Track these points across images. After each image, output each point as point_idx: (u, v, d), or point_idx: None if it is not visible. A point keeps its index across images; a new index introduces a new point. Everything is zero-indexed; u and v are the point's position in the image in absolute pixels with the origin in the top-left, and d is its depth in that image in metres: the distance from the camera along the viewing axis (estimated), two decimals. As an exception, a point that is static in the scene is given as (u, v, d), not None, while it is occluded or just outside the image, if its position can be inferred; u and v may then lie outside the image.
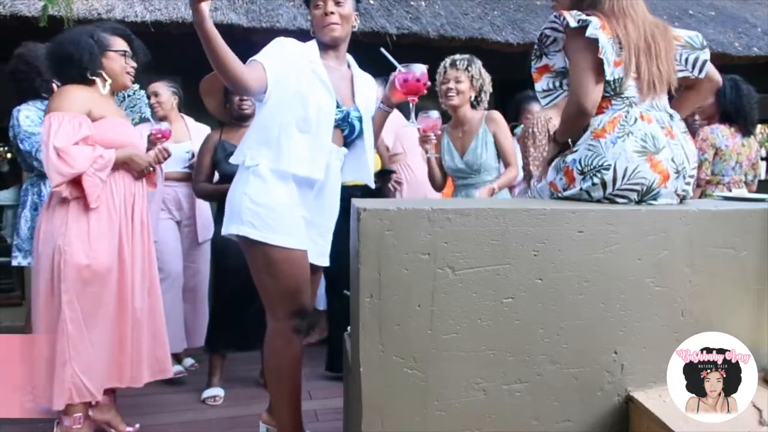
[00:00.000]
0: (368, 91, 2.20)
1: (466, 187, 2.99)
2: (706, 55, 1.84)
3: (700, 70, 1.84)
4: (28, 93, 2.93)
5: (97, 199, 2.19)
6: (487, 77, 2.98)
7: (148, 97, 3.23)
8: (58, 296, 2.15)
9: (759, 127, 11.13)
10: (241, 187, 1.95)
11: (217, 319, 3.02)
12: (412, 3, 5.27)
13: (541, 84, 1.85)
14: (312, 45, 2.08)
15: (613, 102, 1.72)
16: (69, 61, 2.25)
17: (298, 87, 1.97)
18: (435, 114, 2.62)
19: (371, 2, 5.12)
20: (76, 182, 2.16)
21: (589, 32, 1.66)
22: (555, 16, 1.75)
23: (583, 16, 1.69)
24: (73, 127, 2.14)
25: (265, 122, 1.98)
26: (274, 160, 1.94)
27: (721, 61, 5.05)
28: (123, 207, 2.30)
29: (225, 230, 2.00)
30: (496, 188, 2.83)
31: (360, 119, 2.12)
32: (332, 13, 2.03)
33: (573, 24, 1.68)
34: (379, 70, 2.29)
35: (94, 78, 2.29)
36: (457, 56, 2.97)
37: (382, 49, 2.15)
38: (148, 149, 2.56)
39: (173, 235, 3.22)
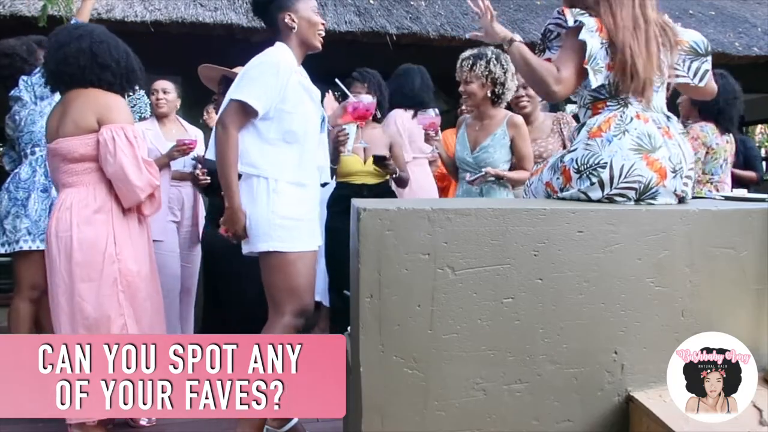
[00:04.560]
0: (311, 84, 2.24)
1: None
2: (708, 64, 1.84)
3: (701, 79, 1.84)
4: (16, 83, 2.83)
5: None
6: (500, 70, 2.71)
7: (149, 95, 3.24)
8: (116, 303, 2.13)
9: (759, 128, 11.12)
10: (264, 205, 2.01)
11: (209, 320, 3.02)
12: (412, 3, 5.27)
13: None
14: (289, 54, 2.08)
15: (608, 103, 1.73)
16: (118, 68, 2.22)
17: (299, 106, 2.06)
18: (432, 112, 2.61)
19: (371, 2, 5.12)
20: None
21: (581, 35, 1.67)
22: (558, 12, 1.77)
23: (581, 17, 1.70)
24: (141, 141, 2.22)
25: (277, 136, 2.04)
26: (294, 173, 2.04)
27: (721, 61, 5.05)
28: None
29: (253, 248, 2.04)
30: (503, 174, 2.71)
31: (325, 119, 2.26)
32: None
33: (570, 23, 1.70)
34: (377, 68, 2.32)
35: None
36: (467, 53, 2.77)
37: (337, 80, 2.40)
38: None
39: (174, 236, 3.23)
